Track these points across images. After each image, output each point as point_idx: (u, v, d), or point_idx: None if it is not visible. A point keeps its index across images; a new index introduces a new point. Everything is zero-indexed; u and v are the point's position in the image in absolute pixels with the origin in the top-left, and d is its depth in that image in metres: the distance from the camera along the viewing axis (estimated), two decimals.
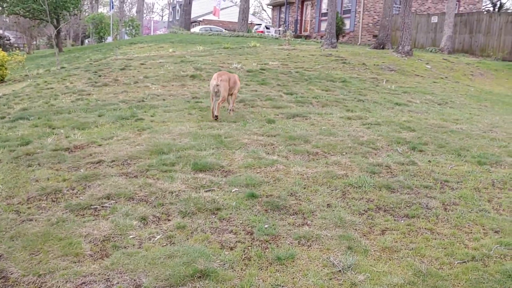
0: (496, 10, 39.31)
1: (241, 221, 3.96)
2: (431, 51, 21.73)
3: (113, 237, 3.65)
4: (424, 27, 24.90)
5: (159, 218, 4.01)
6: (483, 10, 33.70)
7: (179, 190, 4.55)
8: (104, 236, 3.66)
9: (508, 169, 5.55)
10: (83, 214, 4.07)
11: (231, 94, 7.80)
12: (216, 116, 7.45)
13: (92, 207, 4.20)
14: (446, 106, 10.28)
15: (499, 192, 4.81)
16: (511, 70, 17.59)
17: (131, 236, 3.67)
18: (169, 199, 4.36)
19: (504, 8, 43.58)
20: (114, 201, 4.31)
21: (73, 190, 4.61)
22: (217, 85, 7.31)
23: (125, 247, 3.49)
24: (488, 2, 45.68)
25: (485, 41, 21.25)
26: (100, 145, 6.08)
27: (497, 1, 46.52)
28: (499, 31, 20.53)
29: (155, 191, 4.54)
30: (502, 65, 18.28)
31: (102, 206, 4.22)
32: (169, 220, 3.99)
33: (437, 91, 12.33)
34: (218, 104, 7.40)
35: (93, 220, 3.93)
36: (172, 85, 10.76)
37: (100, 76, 12.10)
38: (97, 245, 3.52)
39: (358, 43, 27.65)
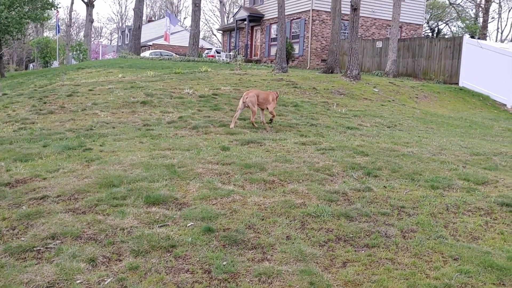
0: (435, 35, 41.39)
1: (197, 259, 3.77)
2: (377, 75, 22.45)
3: (58, 283, 3.35)
4: (370, 51, 25.77)
5: (109, 259, 3.75)
6: (424, 36, 35.40)
7: (131, 227, 4.30)
8: (48, 282, 3.36)
9: (460, 192, 5.66)
10: (25, 258, 3.74)
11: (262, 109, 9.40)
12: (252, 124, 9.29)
13: (35, 249, 3.87)
14: (395, 129, 10.54)
15: (454, 217, 4.87)
16: (452, 92, 18.43)
17: (78, 281, 3.39)
18: (120, 237, 4.10)
19: (442, 33, 46.00)
20: (59, 241, 4.00)
21: (14, 230, 4.26)
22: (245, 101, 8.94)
23: None
24: (427, 28, 48.13)
25: (427, 65, 22.21)
26: (44, 179, 5.71)
27: (435, 27, 49.11)
28: (439, 55, 21.53)
29: (105, 228, 4.26)
30: (443, 87, 19.12)
31: (46, 248, 3.90)
32: (120, 260, 3.74)
33: (385, 114, 12.65)
34: (251, 118, 9.23)
35: (35, 264, 3.62)
36: (122, 112, 10.44)
37: (45, 103, 11.59)
38: None
39: (307, 67, 28.21)
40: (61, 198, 5.03)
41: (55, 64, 33.99)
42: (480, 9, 44.18)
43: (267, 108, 9.35)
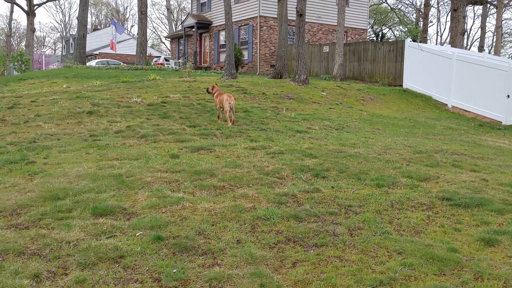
0: (379, 40, 42.81)
1: (147, 268, 3.72)
2: (325, 79, 22.95)
3: None
4: (317, 56, 26.31)
5: (54, 273, 3.63)
6: (369, 40, 36.53)
7: (78, 239, 4.18)
8: None
9: (403, 189, 5.88)
10: None
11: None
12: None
13: None
14: (343, 131, 10.80)
15: (398, 213, 5.06)
16: (397, 94, 19.10)
17: None
18: (66, 250, 3.98)
19: (385, 38, 47.63)
20: (1, 259, 3.84)
21: None
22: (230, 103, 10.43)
23: None
24: (372, 32, 49.73)
25: (372, 68, 22.94)
26: None
27: (379, 32, 50.80)
28: (383, 59, 22.29)
29: (50, 242, 4.12)
30: (388, 89, 19.78)
31: None
32: (66, 274, 3.63)
33: (333, 117, 12.94)
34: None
35: None
36: (68, 123, 10.14)
37: None
38: None
39: (257, 73, 28.45)
40: (2, 214, 4.83)
41: None
42: (420, 14, 46.13)
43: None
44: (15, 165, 6.81)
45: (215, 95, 11.17)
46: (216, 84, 12.29)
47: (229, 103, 10.44)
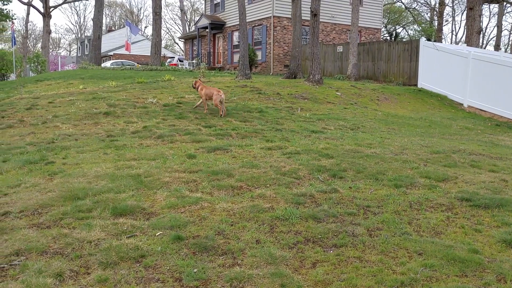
0: (393, 39, 42.55)
1: (168, 267, 3.75)
2: (339, 79, 22.86)
3: None
4: (331, 56, 26.22)
5: (77, 273, 3.68)
6: (383, 40, 36.31)
7: (99, 239, 4.23)
8: None
9: (422, 190, 5.84)
10: None
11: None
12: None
13: None
14: (359, 131, 10.76)
15: (417, 214, 5.03)
16: (412, 94, 18.95)
17: None
18: (87, 250, 4.03)
19: (399, 37, 47.33)
20: (24, 258, 3.90)
21: None
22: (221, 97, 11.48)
23: None
24: (386, 32, 49.42)
25: (387, 68, 22.79)
26: (5, 195, 5.56)
27: (393, 31, 50.47)
28: (398, 58, 22.13)
29: (71, 241, 4.18)
30: (403, 89, 19.63)
31: (11, 265, 3.79)
32: (88, 273, 3.67)
33: (348, 117, 12.90)
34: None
35: (0, 282, 3.51)
36: (85, 124, 10.25)
37: (3, 117, 11.25)
38: None
39: (270, 73, 28.44)
40: (24, 213, 4.91)
41: (12, 77, 33.06)
42: (435, 12, 45.74)
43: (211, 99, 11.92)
44: (35, 165, 6.91)
45: (198, 89, 12.25)
46: (199, 79, 13.48)
47: (220, 96, 11.55)
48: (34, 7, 45.81)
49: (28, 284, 3.45)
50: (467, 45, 23.25)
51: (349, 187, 5.87)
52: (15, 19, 30.77)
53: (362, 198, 5.46)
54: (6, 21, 29.01)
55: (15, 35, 35.05)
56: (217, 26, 33.68)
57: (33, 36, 75.14)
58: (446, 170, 6.87)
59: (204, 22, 34.26)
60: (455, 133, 11.83)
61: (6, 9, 31.76)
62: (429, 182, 6.17)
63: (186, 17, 68.16)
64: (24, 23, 60.92)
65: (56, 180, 6.04)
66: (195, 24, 40.23)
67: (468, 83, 17.91)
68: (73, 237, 4.27)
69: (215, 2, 35.16)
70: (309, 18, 19.27)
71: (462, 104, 18.18)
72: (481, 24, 24.45)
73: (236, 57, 30.54)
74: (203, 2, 38.49)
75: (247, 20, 25.78)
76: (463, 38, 47.93)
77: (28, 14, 53.29)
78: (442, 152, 8.17)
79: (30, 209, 5.00)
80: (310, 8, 18.24)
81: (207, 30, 34.18)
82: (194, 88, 12.85)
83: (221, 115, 11.45)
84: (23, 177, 6.27)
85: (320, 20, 22.10)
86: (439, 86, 19.42)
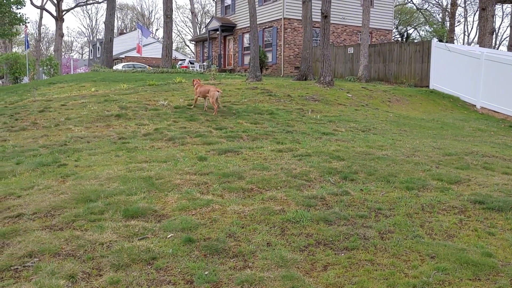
0: (404, 40, 42.30)
1: (179, 270, 3.76)
2: (350, 80, 22.78)
3: None
4: (341, 57, 26.15)
5: (89, 274, 3.71)
6: (394, 41, 36.12)
7: (110, 241, 4.26)
8: None
9: (434, 192, 5.79)
10: (2, 278, 3.67)
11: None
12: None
13: (12, 268, 3.80)
14: (370, 133, 10.70)
15: (429, 216, 4.99)
16: (423, 95, 18.82)
17: None
18: (99, 252, 4.06)
19: (411, 38, 47.03)
20: (37, 259, 3.94)
21: None
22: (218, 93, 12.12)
23: None
24: (397, 33, 49.16)
25: (398, 69, 22.66)
26: (19, 197, 5.62)
27: (404, 32, 50.19)
28: (409, 59, 22.00)
29: (84, 243, 4.21)
30: (415, 91, 19.50)
31: (24, 266, 3.83)
32: (100, 275, 3.70)
33: (359, 119, 12.84)
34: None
35: (13, 284, 3.55)
36: (97, 126, 10.34)
37: (17, 119, 11.38)
38: None
39: (281, 75, 28.44)
40: (37, 215, 4.96)
41: (25, 80, 33.42)
42: (447, 13, 45.40)
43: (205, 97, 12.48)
44: (47, 168, 6.98)
45: (195, 86, 12.77)
46: (198, 79, 13.76)
47: (218, 92, 12.13)
48: (47, 10, 46.34)
49: (41, 286, 3.49)
50: (480, 46, 23.02)
51: (360, 189, 5.84)
52: (28, 22, 31.11)
53: (374, 200, 5.43)
54: (19, 24, 29.35)
55: (29, 39, 35.45)
56: (228, 28, 33.77)
57: (46, 39, 75.99)
58: (458, 172, 6.81)
59: (215, 24, 34.37)
60: (467, 135, 11.72)
61: (19, 13, 32.12)
62: (441, 184, 6.12)
63: (197, 19, 68.42)
64: (37, 26, 61.67)
65: (68, 182, 6.10)
66: (205, 27, 40.39)
67: (481, 84, 17.74)
68: (85, 239, 4.30)
69: (225, 4, 35.28)
70: (319, 20, 19.23)
71: (474, 106, 18.02)
72: (493, 24, 24.20)
73: (246, 59, 30.58)
74: (214, 4, 38.64)
75: (258, 22, 25.78)
76: (476, 38, 47.53)
77: (41, 17, 53.95)
78: (454, 154, 8.10)
79: (43, 211, 5.05)
80: (321, 9, 18.20)
81: (217, 32, 34.29)
82: (193, 86, 13.36)
83: (214, 113, 11.78)
84: (36, 179, 6.33)
85: (331, 21, 22.06)
86: (451, 87, 19.26)
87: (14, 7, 26.91)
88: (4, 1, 25.74)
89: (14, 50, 58.94)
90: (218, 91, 12.09)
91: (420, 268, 3.78)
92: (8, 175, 6.67)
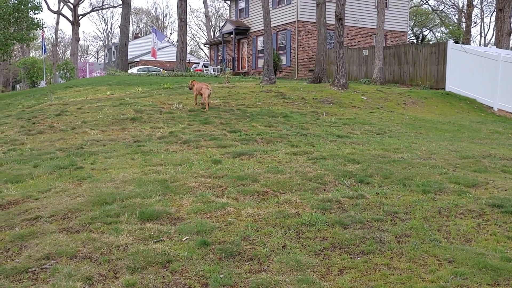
0: (420, 42, 41.95)
1: (194, 273, 3.77)
2: (364, 83, 22.65)
3: None
4: (356, 60, 26.02)
5: (105, 277, 3.73)
6: (409, 43, 35.86)
7: (126, 243, 4.29)
8: None
9: (451, 195, 5.72)
10: (20, 279, 3.72)
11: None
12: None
13: (30, 270, 3.85)
14: (385, 136, 10.62)
15: (447, 220, 4.92)
16: (439, 97, 18.63)
17: None
18: (115, 254, 4.09)
19: (426, 40, 46.64)
20: (54, 261, 3.98)
21: (8, 252, 4.23)
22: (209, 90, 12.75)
23: None
24: (412, 35, 48.79)
25: (413, 71, 22.47)
26: (36, 199, 5.69)
27: (419, 34, 49.79)
28: (424, 61, 21.80)
29: (100, 246, 4.25)
30: (430, 93, 19.32)
31: (41, 268, 3.88)
32: (117, 278, 3.72)
33: (374, 121, 12.75)
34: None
35: (31, 286, 3.59)
36: (112, 129, 10.43)
37: (34, 123, 11.55)
38: None
39: (295, 78, 28.39)
40: (54, 218, 5.01)
41: (42, 84, 33.91)
42: (463, 14, 44.94)
43: (201, 95, 13.04)
44: (64, 171, 7.06)
45: (193, 87, 13.32)
46: (194, 80, 14.24)
47: (208, 89, 12.76)
48: (63, 15, 46.98)
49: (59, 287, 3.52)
50: (497, 47, 22.71)
51: (376, 192, 5.79)
52: (45, 27, 31.63)
53: (390, 204, 5.38)
54: (36, 29, 29.79)
55: (45, 43, 35.97)
56: (242, 32, 33.86)
57: (62, 43, 77.07)
58: (476, 175, 6.71)
59: (229, 27, 34.49)
60: (485, 137, 11.56)
61: (36, 18, 32.64)
62: (458, 187, 6.04)
63: (211, 23, 68.73)
64: (53, 31, 62.63)
65: (84, 185, 6.16)
66: (219, 30, 40.55)
67: (498, 86, 17.50)
68: (101, 241, 4.33)
69: (239, 7, 35.37)
70: (333, 22, 19.18)
71: (491, 108, 17.78)
72: (511, 25, 23.87)
73: (260, 62, 30.62)
74: (228, 8, 38.76)
75: (272, 25, 25.80)
76: (492, 40, 46.87)
77: (57, 22, 54.77)
78: (471, 157, 7.99)
79: (60, 214, 5.10)
80: (335, 12, 18.15)
81: (231, 35, 34.40)
82: (189, 89, 13.97)
83: (206, 109, 12.49)
84: (53, 182, 6.41)
85: (345, 24, 21.99)
86: (467, 89, 19.03)
87: (31, 12, 27.33)
88: (22, 6, 26.15)
89: (31, 54, 59.87)
90: (209, 89, 12.77)
91: (437, 272, 3.73)
92: (26, 178, 6.76)
